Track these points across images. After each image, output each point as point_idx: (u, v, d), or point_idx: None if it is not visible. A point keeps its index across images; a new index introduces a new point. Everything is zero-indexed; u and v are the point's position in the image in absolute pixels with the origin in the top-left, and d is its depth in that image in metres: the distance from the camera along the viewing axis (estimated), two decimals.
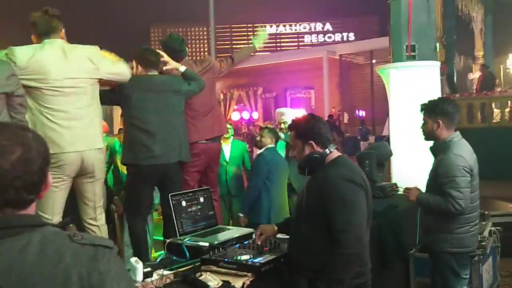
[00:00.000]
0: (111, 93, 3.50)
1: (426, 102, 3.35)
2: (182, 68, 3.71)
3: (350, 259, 2.31)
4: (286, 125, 4.75)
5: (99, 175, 3.23)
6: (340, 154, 2.59)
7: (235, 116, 20.98)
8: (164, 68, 3.71)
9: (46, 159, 1.16)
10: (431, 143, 3.34)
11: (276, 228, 2.81)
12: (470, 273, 3.69)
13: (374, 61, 19.97)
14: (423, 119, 3.29)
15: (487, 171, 8.58)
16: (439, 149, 3.21)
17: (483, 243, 3.78)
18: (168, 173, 3.60)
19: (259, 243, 2.70)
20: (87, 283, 1.06)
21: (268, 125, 6.68)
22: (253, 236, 2.83)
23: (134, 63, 3.70)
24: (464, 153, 3.15)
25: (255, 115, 21.96)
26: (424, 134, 3.33)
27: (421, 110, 3.32)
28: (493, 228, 4.26)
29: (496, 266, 4.46)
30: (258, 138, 4.75)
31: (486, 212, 5.47)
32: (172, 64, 3.72)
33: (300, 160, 2.58)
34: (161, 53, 3.75)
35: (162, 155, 3.53)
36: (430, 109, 3.26)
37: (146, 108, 3.52)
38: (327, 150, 2.52)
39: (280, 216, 4.07)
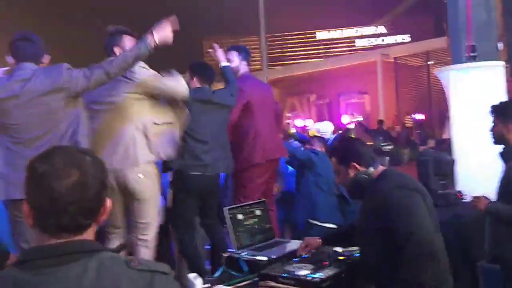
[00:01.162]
0: None
1: (497, 103, 3.19)
2: (224, 64, 3.90)
3: (421, 259, 2.22)
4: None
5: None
6: (385, 168, 2.53)
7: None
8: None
9: (103, 184, 1.15)
10: (500, 147, 3.17)
11: (319, 240, 2.80)
12: None
13: (430, 62, 19.41)
14: (493, 122, 3.13)
15: None
16: (511, 154, 3.03)
17: None
18: (213, 186, 3.70)
19: (303, 253, 2.73)
20: None
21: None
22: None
23: (188, 76, 3.80)
24: None
25: (309, 123, 21.85)
26: (493, 138, 3.17)
27: (491, 112, 3.16)
28: None
29: None
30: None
31: None
32: (219, 55, 3.93)
33: (348, 184, 2.54)
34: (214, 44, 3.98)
35: (211, 166, 3.65)
36: (501, 111, 3.09)
37: (201, 119, 3.61)
38: (371, 168, 2.47)
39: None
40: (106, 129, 3.14)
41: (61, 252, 1.07)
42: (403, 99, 20.58)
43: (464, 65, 4.89)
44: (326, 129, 6.25)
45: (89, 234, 1.14)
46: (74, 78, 2.89)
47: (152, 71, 3.28)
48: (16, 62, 2.97)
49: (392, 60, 20.48)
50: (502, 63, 4.97)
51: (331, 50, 23.31)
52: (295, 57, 23.72)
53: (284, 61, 23.74)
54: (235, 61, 4.21)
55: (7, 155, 2.91)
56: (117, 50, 3.25)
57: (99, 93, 3.11)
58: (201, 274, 3.00)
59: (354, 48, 22.62)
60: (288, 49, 24.12)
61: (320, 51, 23.58)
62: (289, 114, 22.61)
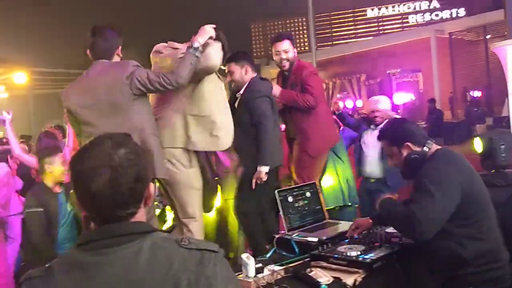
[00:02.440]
0: None
1: None
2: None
3: (409, 225, 2.30)
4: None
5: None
6: (439, 147, 2.48)
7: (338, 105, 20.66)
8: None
9: (141, 174, 1.18)
10: None
11: (370, 221, 2.80)
12: None
13: (488, 36, 18.59)
14: None
15: None
16: None
17: None
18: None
19: (353, 235, 2.74)
20: (196, 287, 1.09)
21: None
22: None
23: (239, 64, 3.65)
24: None
25: (359, 103, 21.48)
26: None
27: None
28: None
29: None
30: None
31: None
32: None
33: (401, 165, 2.51)
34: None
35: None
36: None
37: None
38: (425, 147, 2.43)
39: None
40: None
41: (116, 234, 1.13)
42: (459, 76, 19.84)
43: None
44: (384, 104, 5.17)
45: (139, 217, 1.19)
46: (136, 75, 2.87)
47: None
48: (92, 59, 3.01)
49: (447, 36, 19.77)
50: None
51: (383, 27, 22.67)
52: (346, 36, 23.28)
53: (333, 41, 23.36)
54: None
55: None
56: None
57: None
58: (260, 252, 3.08)
59: (407, 24, 21.87)
60: (337, 28, 23.67)
61: (371, 29, 23.02)
62: (339, 95, 22.35)
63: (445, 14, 22.19)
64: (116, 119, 2.87)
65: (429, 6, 22.80)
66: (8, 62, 13.36)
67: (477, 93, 19.10)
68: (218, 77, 3.30)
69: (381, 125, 4.31)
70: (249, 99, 3.56)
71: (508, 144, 4.23)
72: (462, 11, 21.82)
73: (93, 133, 2.81)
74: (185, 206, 3.19)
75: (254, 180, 3.43)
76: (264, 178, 3.41)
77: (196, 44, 2.96)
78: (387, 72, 20.99)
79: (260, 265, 2.35)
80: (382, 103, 4.59)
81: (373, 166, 4.40)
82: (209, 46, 3.08)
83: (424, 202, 2.27)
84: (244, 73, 3.63)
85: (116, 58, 3.06)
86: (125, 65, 2.93)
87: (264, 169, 3.41)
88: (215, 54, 3.11)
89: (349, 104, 21.12)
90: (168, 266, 1.10)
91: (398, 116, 4.81)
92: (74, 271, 1.10)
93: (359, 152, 4.57)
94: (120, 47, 3.09)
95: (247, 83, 3.63)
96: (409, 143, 2.47)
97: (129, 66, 2.90)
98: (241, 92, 3.63)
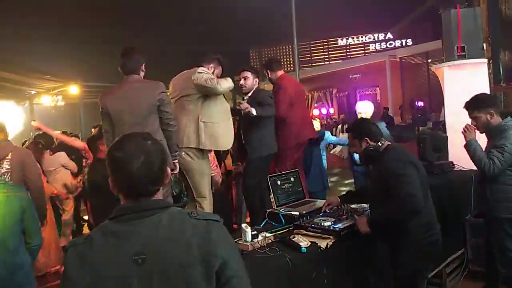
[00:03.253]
0: None
1: (469, 100, 2.97)
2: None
3: (403, 211, 2.27)
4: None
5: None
6: (390, 143, 2.49)
7: (315, 112, 20.67)
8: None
9: (163, 159, 1.19)
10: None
11: (339, 200, 2.82)
12: None
13: (429, 60, 18.57)
14: (475, 116, 2.91)
15: None
16: (498, 131, 2.85)
17: None
18: None
19: (327, 210, 2.76)
20: (203, 249, 1.10)
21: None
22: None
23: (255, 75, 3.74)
24: None
25: (331, 110, 21.58)
26: (480, 128, 2.93)
27: (469, 109, 2.94)
28: None
29: None
30: None
31: None
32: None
33: (360, 153, 2.52)
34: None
35: None
36: (480, 104, 2.90)
37: None
38: (379, 143, 2.44)
39: None
40: None
41: (142, 209, 1.13)
42: (407, 90, 19.87)
43: (456, 62, 4.69)
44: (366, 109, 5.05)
45: (159, 195, 1.19)
46: (164, 105, 2.88)
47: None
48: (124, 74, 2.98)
49: (398, 60, 19.75)
50: (486, 60, 4.74)
51: (350, 53, 22.67)
52: (322, 59, 23.24)
53: (312, 62, 23.33)
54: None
55: None
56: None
57: None
58: (257, 221, 3.05)
59: (368, 51, 21.91)
60: (316, 54, 23.66)
61: (341, 54, 23.00)
62: (316, 104, 22.31)
63: (397, 43, 22.20)
64: (141, 125, 2.83)
65: (385, 37, 22.81)
66: (61, 77, 13.25)
67: (421, 103, 19.09)
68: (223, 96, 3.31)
69: None
70: (257, 96, 3.61)
71: (442, 141, 4.26)
72: (410, 41, 21.88)
73: (123, 131, 2.78)
74: (198, 187, 3.19)
75: (246, 109, 3.36)
76: (247, 107, 3.36)
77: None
78: (353, 87, 21.02)
79: (255, 232, 2.37)
80: (363, 108, 4.74)
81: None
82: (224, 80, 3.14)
83: (405, 182, 2.24)
84: (254, 82, 3.70)
85: (141, 74, 3.03)
86: (156, 88, 2.91)
87: (252, 110, 3.36)
88: (225, 84, 3.12)
89: (324, 111, 21.24)
90: (182, 231, 1.11)
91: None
92: (109, 238, 1.10)
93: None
94: (144, 65, 3.04)
95: (254, 88, 3.71)
96: (367, 138, 2.46)
97: (159, 90, 2.89)
98: (250, 94, 3.67)
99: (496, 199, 2.86)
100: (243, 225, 2.37)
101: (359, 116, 4.60)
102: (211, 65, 3.34)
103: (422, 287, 2.41)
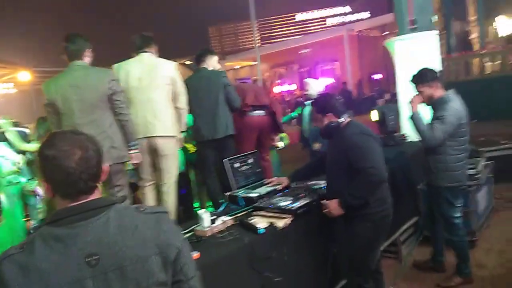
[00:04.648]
0: None
1: (415, 74, 3.03)
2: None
3: (373, 185, 2.32)
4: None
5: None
6: (351, 119, 2.51)
7: (277, 89, 20.68)
8: None
9: (99, 153, 1.14)
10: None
11: (288, 179, 2.87)
12: (465, 201, 3.53)
13: (386, 33, 18.91)
14: (419, 90, 2.97)
15: (483, 114, 8.14)
16: (440, 103, 2.93)
17: (477, 176, 3.58)
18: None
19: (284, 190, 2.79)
20: (159, 240, 1.10)
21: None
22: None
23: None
24: (458, 105, 2.92)
25: (293, 87, 21.64)
26: (425, 101, 2.99)
27: (414, 83, 3.00)
28: (486, 163, 4.02)
29: (491, 192, 4.24)
30: None
31: (481, 149, 5.18)
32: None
33: (322, 128, 2.53)
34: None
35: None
36: (423, 79, 2.97)
37: None
38: (341, 118, 2.46)
39: None
40: None
41: (86, 209, 1.07)
42: (365, 64, 20.22)
43: (407, 35, 4.77)
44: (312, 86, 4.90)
45: (98, 193, 1.14)
46: (117, 95, 2.79)
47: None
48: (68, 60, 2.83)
49: (356, 33, 19.97)
50: (436, 32, 4.85)
51: (308, 28, 22.67)
52: (281, 35, 23.12)
53: (274, 39, 23.18)
54: None
55: None
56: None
57: None
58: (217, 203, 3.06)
59: (326, 25, 21.95)
60: (276, 29, 23.47)
61: (300, 29, 22.91)
62: (278, 81, 22.31)
63: (354, 16, 22.44)
64: (94, 115, 2.76)
65: (342, 10, 22.95)
66: (13, 64, 12.50)
67: (378, 76, 19.56)
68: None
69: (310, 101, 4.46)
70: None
71: (394, 114, 4.37)
72: (367, 14, 22.15)
73: (71, 124, 2.72)
74: (174, 170, 3.19)
75: None
76: None
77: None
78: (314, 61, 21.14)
79: (214, 217, 2.35)
80: (310, 86, 4.70)
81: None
82: None
83: (368, 154, 2.29)
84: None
85: (87, 59, 2.88)
86: (107, 75, 2.80)
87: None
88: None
89: (285, 87, 21.26)
90: (133, 227, 1.08)
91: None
92: (54, 243, 1.02)
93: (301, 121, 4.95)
94: (89, 50, 2.89)
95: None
96: (330, 113, 2.48)
97: (110, 78, 2.79)
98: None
99: (438, 169, 2.96)
100: (201, 211, 2.34)
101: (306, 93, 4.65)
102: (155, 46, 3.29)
103: (376, 257, 2.50)
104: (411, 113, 2.98)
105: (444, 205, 3.00)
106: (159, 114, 3.06)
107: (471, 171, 3.56)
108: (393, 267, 3.43)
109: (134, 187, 3.42)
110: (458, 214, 3.01)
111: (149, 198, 3.19)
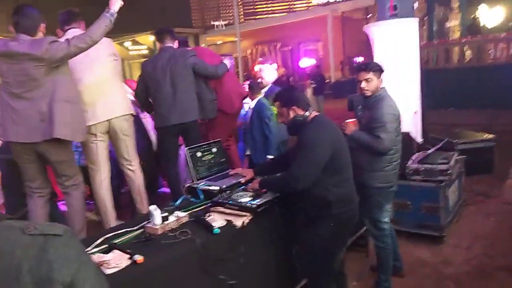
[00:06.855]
0: None
1: (371, 63, 2.85)
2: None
3: (286, 187, 2.28)
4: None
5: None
6: (317, 113, 2.34)
7: (257, 67, 20.34)
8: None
9: None
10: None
11: (253, 172, 2.73)
12: (437, 196, 3.45)
13: (369, 16, 18.67)
14: (370, 78, 2.74)
15: (460, 102, 8.11)
16: (377, 99, 2.75)
17: (449, 172, 3.50)
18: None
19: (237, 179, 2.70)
20: (37, 274, 0.85)
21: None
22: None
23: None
24: (394, 103, 2.74)
25: (275, 66, 21.29)
26: (370, 91, 2.77)
27: (371, 70, 2.75)
28: (458, 158, 3.94)
29: (461, 187, 4.19)
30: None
31: (455, 141, 5.12)
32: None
33: (288, 123, 2.35)
34: None
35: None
36: (378, 68, 2.77)
37: None
38: (307, 112, 2.28)
39: None
40: None
41: None
42: (347, 45, 20.02)
43: (385, 21, 4.58)
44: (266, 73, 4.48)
45: None
46: (54, 49, 2.58)
47: None
48: (15, 32, 2.64)
49: (340, 14, 19.67)
50: (416, 19, 4.67)
51: (293, 6, 22.22)
52: (265, 12, 22.58)
53: (256, 15, 22.62)
54: None
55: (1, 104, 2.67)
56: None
57: None
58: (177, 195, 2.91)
59: (310, 4, 21.56)
60: (259, 6, 22.92)
61: (284, 7, 22.45)
62: (261, 59, 21.89)
63: None
64: (30, 86, 2.59)
65: None
66: None
67: (360, 58, 19.39)
68: None
69: (265, 89, 4.22)
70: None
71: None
72: None
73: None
74: (134, 151, 3.32)
75: None
76: None
77: (112, 10, 2.78)
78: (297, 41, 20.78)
79: (166, 214, 2.15)
80: (265, 72, 4.41)
81: None
82: None
83: (300, 160, 2.17)
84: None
85: (40, 35, 2.62)
86: (42, 41, 2.57)
87: None
88: None
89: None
90: (10, 255, 0.85)
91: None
92: None
93: None
94: (43, 25, 2.65)
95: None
96: (295, 107, 2.31)
97: (45, 42, 2.56)
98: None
99: (368, 169, 2.75)
100: (152, 207, 2.14)
101: (258, 81, 4.33)
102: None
103: (339, 260, 2.37)
104: (350, 135, 2.77)
105: (374, 208, 2.81)
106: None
107: (443, 167, 3.46)
108: (360, 261, 3.34)
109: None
110: (387, 219, 2.83)
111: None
